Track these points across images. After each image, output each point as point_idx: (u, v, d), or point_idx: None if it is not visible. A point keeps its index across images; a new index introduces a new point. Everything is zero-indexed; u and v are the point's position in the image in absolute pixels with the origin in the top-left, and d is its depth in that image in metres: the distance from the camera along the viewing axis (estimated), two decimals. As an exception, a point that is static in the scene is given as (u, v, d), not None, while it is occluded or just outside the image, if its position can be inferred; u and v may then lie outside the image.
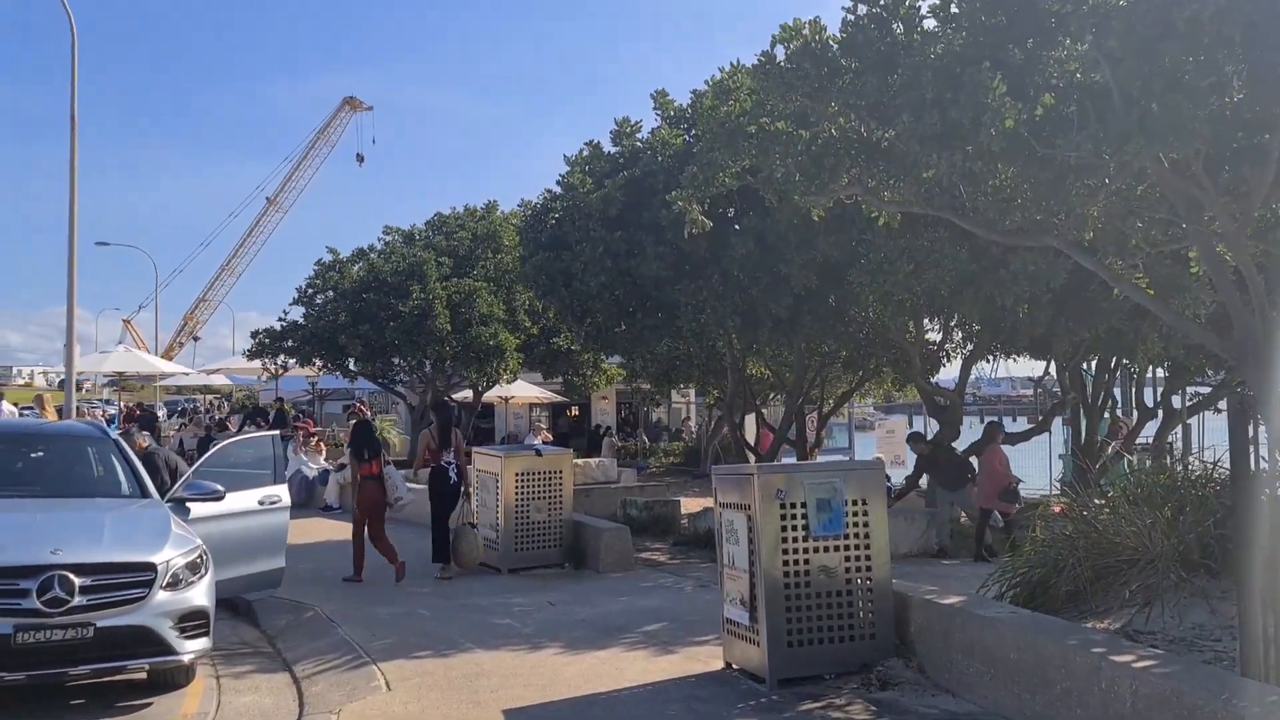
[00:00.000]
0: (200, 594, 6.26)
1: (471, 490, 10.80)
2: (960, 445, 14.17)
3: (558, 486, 10.69)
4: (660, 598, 9.18)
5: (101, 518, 6.37)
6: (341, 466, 14.94)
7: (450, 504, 10.29)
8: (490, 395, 27.10)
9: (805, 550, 5.92)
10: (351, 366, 22.62)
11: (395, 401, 27.73)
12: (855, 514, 6.04)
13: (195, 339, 76.86)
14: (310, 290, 21.86)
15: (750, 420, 18.43)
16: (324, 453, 15.53)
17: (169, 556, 6.13)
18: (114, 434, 7.68)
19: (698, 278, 12.16)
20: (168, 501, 7.35)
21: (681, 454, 29.95)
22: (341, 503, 14.79)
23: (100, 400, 49.89)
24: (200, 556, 6.38)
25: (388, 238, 23.32)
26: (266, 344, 21.47)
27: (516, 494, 10.45)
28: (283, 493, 8.20)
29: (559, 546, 10.68)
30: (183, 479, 7.72)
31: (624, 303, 12.61)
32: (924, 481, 14.46)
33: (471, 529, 10.16)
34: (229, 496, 7.74)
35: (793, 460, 17.07)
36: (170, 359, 55.46)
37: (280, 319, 21.82)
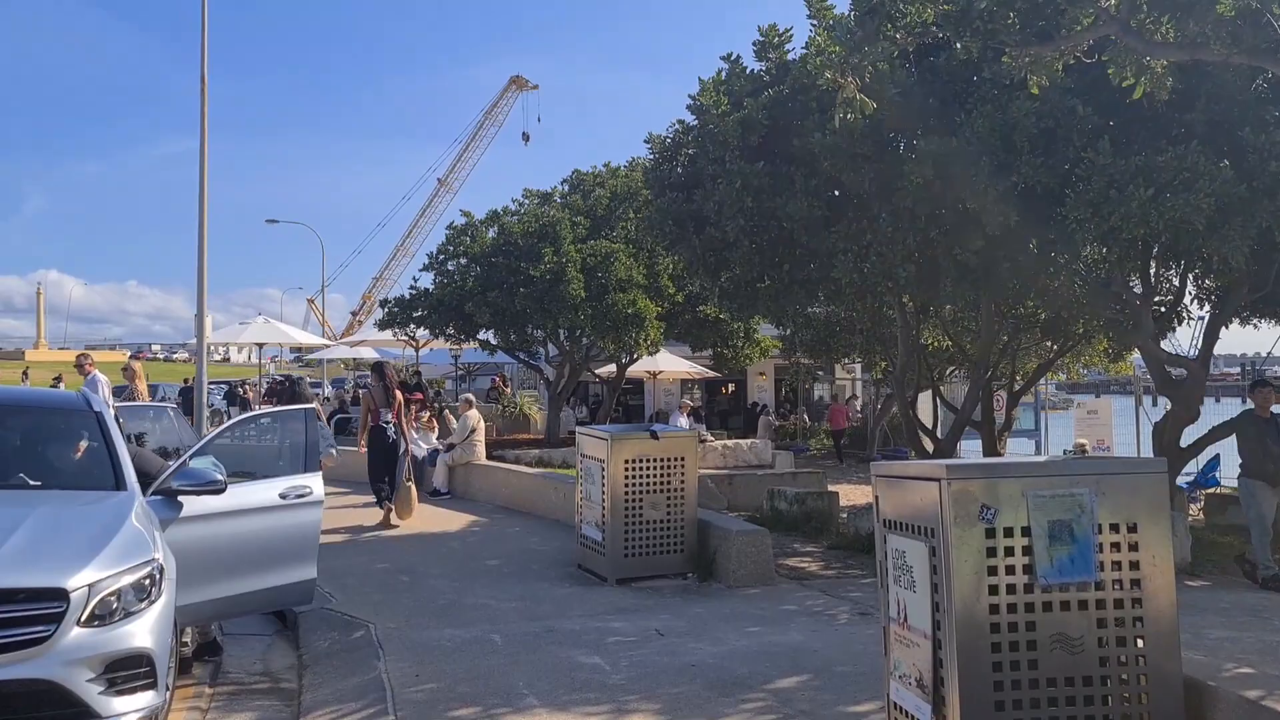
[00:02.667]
0: (143, 630, 4.47)
1: (577, 480, 8.90)
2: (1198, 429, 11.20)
3: (679, 477, 8.55)
4: (803, 630, 6.90)
5: (20, 518, 4.66)
6: (450, 446, 13.30)
7: (387, 459, 11.15)
8: (638, 370, 25.23)
9: (1029, 607, 3.56)
10: (488, 338, 21.19)
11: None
12: (1115, 547, 3.63)
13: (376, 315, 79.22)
14: (442, 256, 20.47)
15: (925, 398, 15.78)
16: (436, 430, 13.95)
17: (96, 577, 4.36)
18: (100, 406, 6.06)
19: (860, 218, 9.74)
20: (154, 494, 5.66)
21: (846, 435, 27.25)
22: (452, 487, 13.15)
23: (279, 375, 51.29)
24: (152, 575, 4.60)
25: (526, 201, 21.70)
26: (396, 313, 20.24)
27: (627, 486, 8.38)
28: (315, 483, 6.39)
29: (680, 552, 8.55)
30: (175, 464, 6.00)
31: (767, 251, 10.30)
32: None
33: (406, 484, 11.08)
34: (239, 488, 6.00)
35: (977, 452, 14.32)
36: (351, 335, 56.74)
37: (411, 287, 20.56)
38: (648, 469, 8.44)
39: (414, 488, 11.24)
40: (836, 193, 9.95)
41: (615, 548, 8.36)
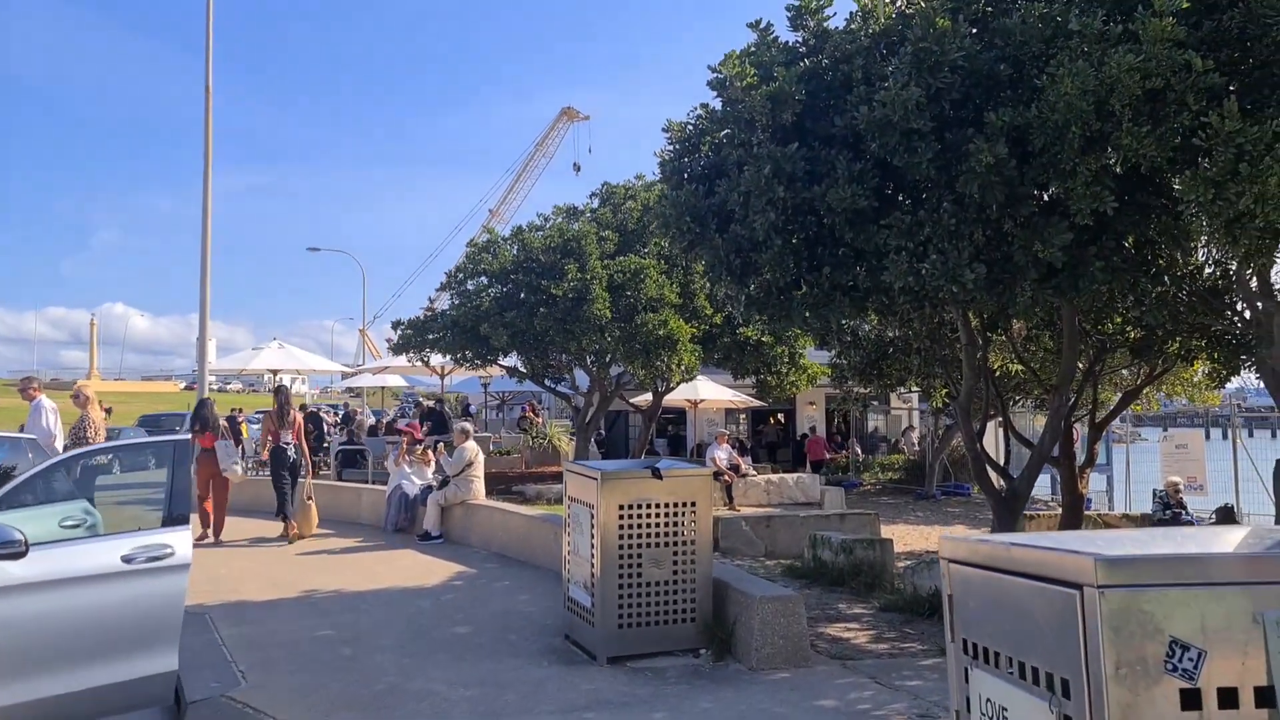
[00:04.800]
0: None
1: (564, 528, 7.21)
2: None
3: (689, 527, 6.80)
4: (844, 744, 5.09)
5: None
6: (444, 483, 11.67)
7: (288, 477, 11.76)
8: (678, 399, 23.51)
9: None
10: (516, 364, 19.62)
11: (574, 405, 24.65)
12: None
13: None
14: (461, 275, 18.99)
15: (992, 428, 13.82)
16: (432, 465, 12.36)
17: None
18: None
19: (916, 209, 7.96)
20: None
21: (902, 469, 25.23)
22: (445, 530, 11.49)
23: (323, 405, 50.34)
24: None
25: (553, 217, 20.18)
26: (410, 336, 18.76)
27: (622, 538, 6.65)
28: (178, 541, 4.77)
29: (689, 621, 6.78)
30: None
31: (804, 251, 8.55)
32: None
33: (308, 502, 11.83)
34: (61, 551, 4.42)
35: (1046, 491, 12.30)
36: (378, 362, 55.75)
37: (426, 307, 19.08)
38: (649, 516, 6.70)
39: (314, 505, 11.99)
40: (887, 179, 8.17)
41: (607, 616, 6.62)
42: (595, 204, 20.07)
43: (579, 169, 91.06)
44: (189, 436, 5.01)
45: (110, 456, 5.61)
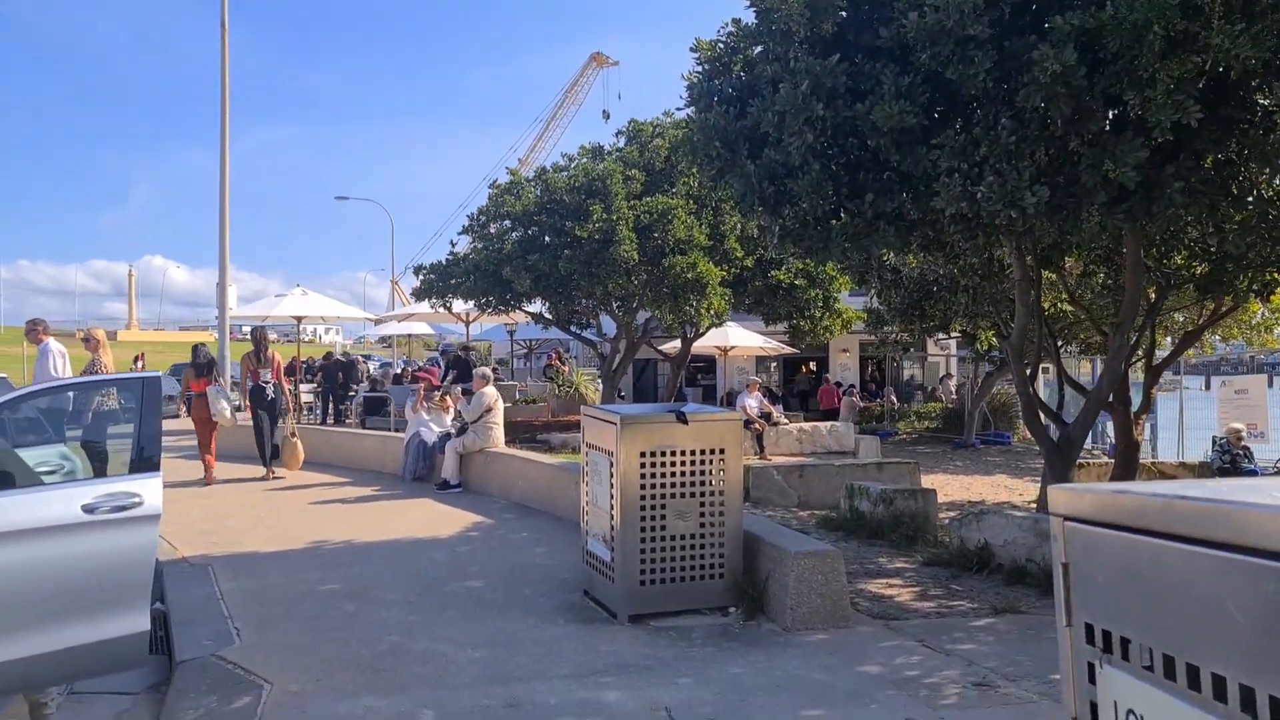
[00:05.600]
0: None
1: (581, 477, 6.66)
2: None
3: (717, 476, 6.21)
4: (892, 717, 4.52)
5: None
6: (463, 430, 11.15)
7: (268, 416, 11.88)
8: (707, 346, 22.88)
9: None
10: (541, 310, 19.02)
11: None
12: None
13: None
14: (483, 218, 18.35)
15: (1042, 374, 13.07)
16: (451, 411, 11.85)
17: None
18: None
19: (970, 125, 7.22)
20: None
21: (939, 418, 24.50)
22: (463, 478, 11.00)
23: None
24: None
25: (578, 157, 19.42)
26: (434, 281, 18.19)
27: (644, 488, 6.08)
28: (147, 489, 4.26)
29: (719, 578, 6.22)
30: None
31: (844, 176, 7.84)
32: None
33: (292, 439, 11.96)
34: (9, 499, 3.91)
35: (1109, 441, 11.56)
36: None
37: (450, 253, 18.49)
38: (673, 464, 6.12)
39: (299, 443, 12.07)
40: (939, 94, 7.42)
41: (628, 572, 6.07)
42: (621, 143, 19.28)
43: (608, 116, 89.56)
44: (159, 374, 4.47)
45: (105, 396, 5.10)
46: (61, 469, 4.72)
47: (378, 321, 27.06)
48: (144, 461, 4.27)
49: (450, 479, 10.84)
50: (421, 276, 18.39)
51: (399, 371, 24.39)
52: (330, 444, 13.82)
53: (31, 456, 4.56)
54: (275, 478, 11.83)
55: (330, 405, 20.76)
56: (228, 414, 11.85)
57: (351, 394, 20.58)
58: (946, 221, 7.82)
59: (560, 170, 18.56)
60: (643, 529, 6.07)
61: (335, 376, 21.75)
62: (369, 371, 25.91)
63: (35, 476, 4.16)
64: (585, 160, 18.98)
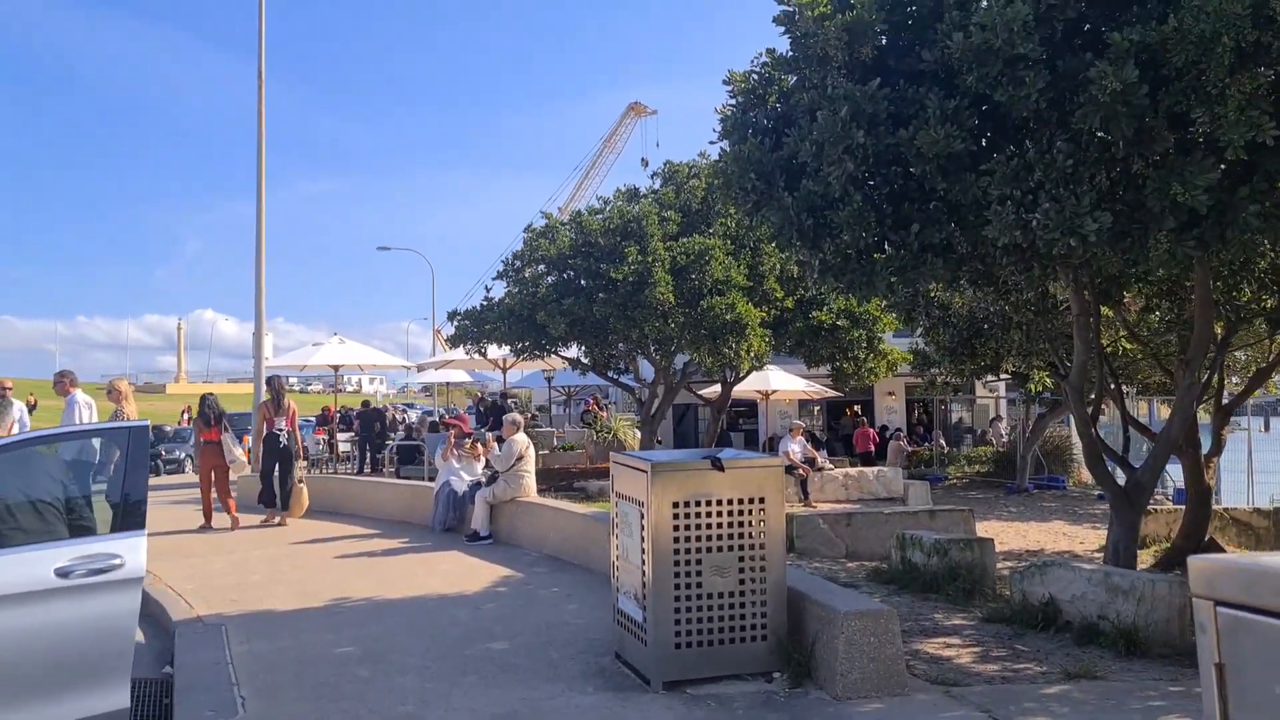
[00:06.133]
0: None
1: (611, 529, 6.21)
2: None
3: (758, 528, 5.73)
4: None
5: None
6: (492, 478, 10.75)
7: (278, 461, 12.25)
8: (748, 390, 22.38)
9: None
10: (578, 356, 18.69)
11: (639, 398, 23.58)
12: None
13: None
14: (518, 262, 18.13)
15: (1104, 412, 12.40)
16: (482, 460, 11.47)
17: None
18: None
19: (1022, 149, 6.77)
20: None
21: (990, 462, 23.70)
22: (493, 529, 10.57)
23: (400, 404, 50.19)
24: None
25: (612, 200, 19.18)
26: (468, 327, 17.94)
27: (677, 541, 5.61)
28: (129, 550, 3.88)
29: (759, 639, 5.71)
30: None
31: (887, 207, 7.41)
32: None
33: (299, 485, 12.35)
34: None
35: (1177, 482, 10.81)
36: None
37: (485, 299, 18.26)
38: (709, 515, 5.65)
39: (305, 489, 12.52)
40: (987, 118, 7.00)
41: (661, 634, 5.58)
42: (657, 184, 19.03)
43: (647, 164, 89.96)
44: (145, 423, 4.13)
45: (76, 443, 4.73)
46: (50, 528, 4.30)
47: (419, 369, 26.89)
48: (128, 518, 3.90)
49: (480, 530, 10.42)
50: (456, 322, 18.15)
51: (435, 419, 24.11)
52: (360, 494, 13.50)
53: (23, 511, 4.21)
54: (278, 523, 12.14)
55: (367, 454, 20.60)
56: (244, 461, 12.27)
57: (388, 443, 20.35)
58: (998, 253, 7.35)
59: (595, 213, 18.32)
60: (676, 586, 5.59)
61: (372, 425, 21.59)
62: (407, 420, 25.75)
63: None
64: (620, 203, 18.74)
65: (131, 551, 3.86)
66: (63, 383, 10.79)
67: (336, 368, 21.52)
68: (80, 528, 3.92)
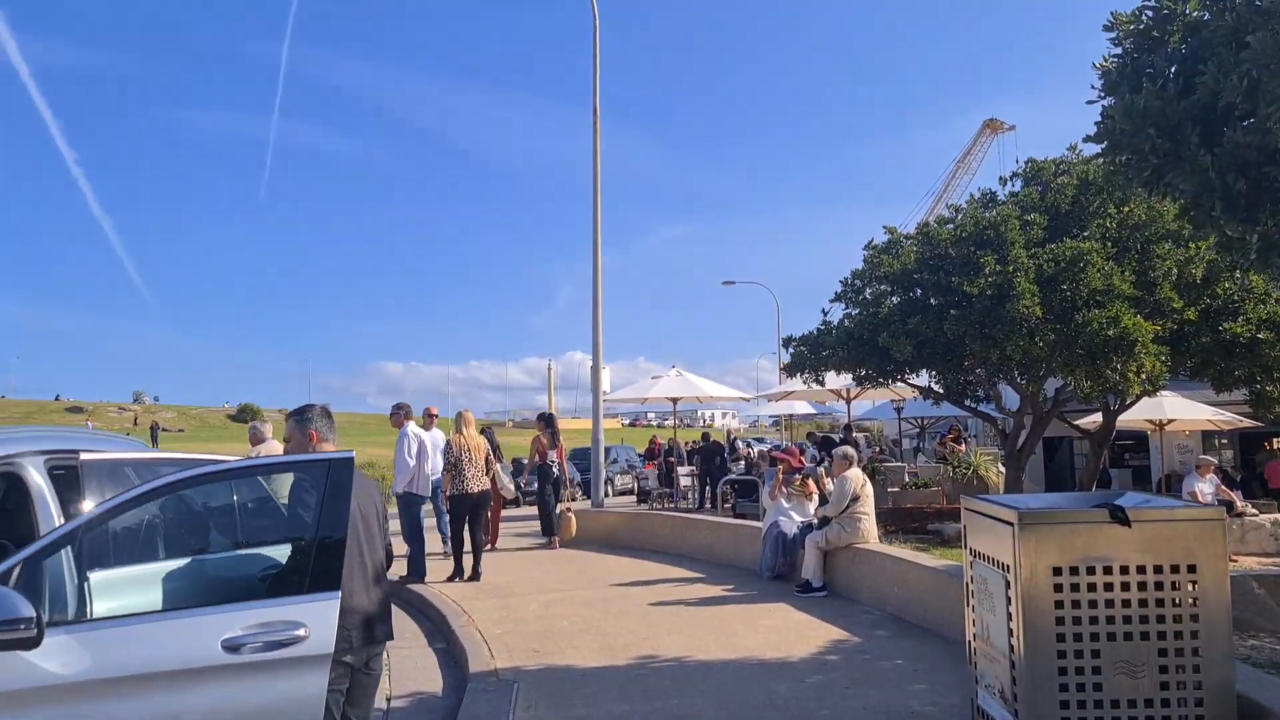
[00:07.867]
0: None
1: (966, 595, 4.68)
2: None
3: (1184, 604, 3.97)
4: None
5: None
6: (824, 521, 9.36)
7: (551, 491, 13.43)
8: (1135, 419, 19.14)
9: None
10: (929, 383, 16.85)
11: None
12: None
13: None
14: (858, 282, 16.63)
15: None
16: (815, 498, 10.13)
17: None
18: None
19: None
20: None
21: None
22: (827, 579, 9.18)
23: (748, 439, 50.08)
24: None
25: (965, 208, 17.17)
26: (804, 354, 16.69)
27: (1062, 621, 3.99)
28: (314, 616, 3.07)
29: (1197, 775, 3.91)
30: None
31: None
32: None
33: (567, 514, 13.27)
34: (121, 632, 2.89)
35: None
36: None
37: (822, 322, 16.94)
38: (1109, 587, 3.98)
39: (573, 516, 13.31)
40: None
41: (1042, 752, 3.97)
42: (1017, 186, 16.76)
43: (1005, 182, 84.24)
44: (350, 454, 3.32)
45: (247, 481, 4.05)
46: (218, 587, 3.48)
47: (758, 400, 26.10)
48: (318, 576, 3.10)
49: (812, 580, 9.08)
50: (791, 349, 16.98)
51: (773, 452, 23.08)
52: (682, 533, 12.67)
53: (188, 564, 3.51)
54: (554, 546, 13.15)
55: (707, 488, 20.00)
56: (511, 489, 13.85)
57: (726, 476, 19.61)
58: None
59: (945, 222, 16.40)
60: (1064, 688, 3.97)
61: (713, 459, 20.98)
62: (750, 453, 24.95)
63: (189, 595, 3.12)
64: (975, 209, 16.67)
65: (319, 619, 3.06)
66: (398, 415, 10.96)
67: (674, 400, 21.17)
68: (258, 587, 3.18)
